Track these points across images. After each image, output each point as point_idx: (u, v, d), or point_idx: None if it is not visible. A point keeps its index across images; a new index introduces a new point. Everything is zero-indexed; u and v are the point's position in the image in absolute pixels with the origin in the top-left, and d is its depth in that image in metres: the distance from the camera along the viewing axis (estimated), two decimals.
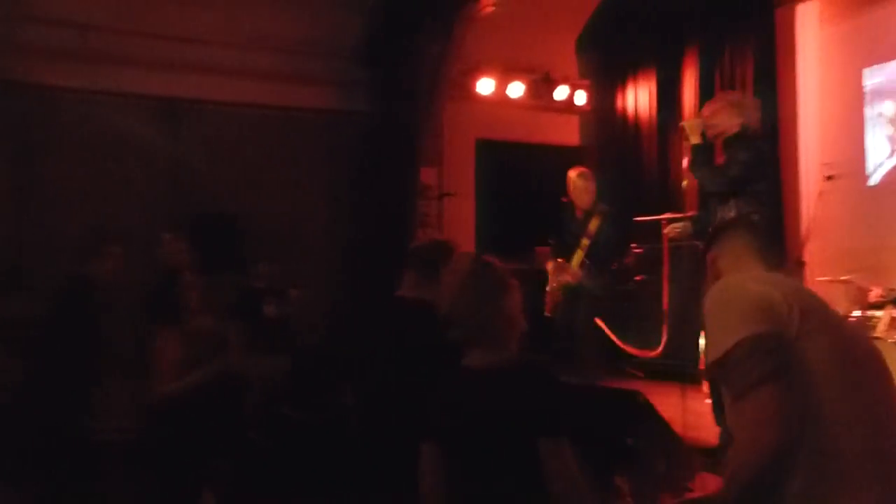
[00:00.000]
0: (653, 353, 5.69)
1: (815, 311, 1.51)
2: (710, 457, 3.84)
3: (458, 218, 7.52)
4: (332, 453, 3.29)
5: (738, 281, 1.62)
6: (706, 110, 4.11)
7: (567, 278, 5.17)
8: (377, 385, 2.45)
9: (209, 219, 6.01)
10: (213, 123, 6.60)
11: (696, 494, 3.29)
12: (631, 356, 5.94)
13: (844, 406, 1.43)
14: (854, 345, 1.56)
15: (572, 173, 5.38)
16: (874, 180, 6.03)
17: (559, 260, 5.28)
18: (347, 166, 7.00)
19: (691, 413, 4.38)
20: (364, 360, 2.47)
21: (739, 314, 1.48)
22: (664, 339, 5.83)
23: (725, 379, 1.48)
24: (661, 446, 3.30)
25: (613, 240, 5.30)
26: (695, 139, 4.02)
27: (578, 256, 5.18)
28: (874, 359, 1.59)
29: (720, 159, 4.18)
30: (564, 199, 5.41)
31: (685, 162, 4.25)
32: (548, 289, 5.33)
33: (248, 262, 5.83)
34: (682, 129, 4.19)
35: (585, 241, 5.13)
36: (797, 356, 1.43)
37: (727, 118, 3.83)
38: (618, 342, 5.76)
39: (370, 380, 2.49)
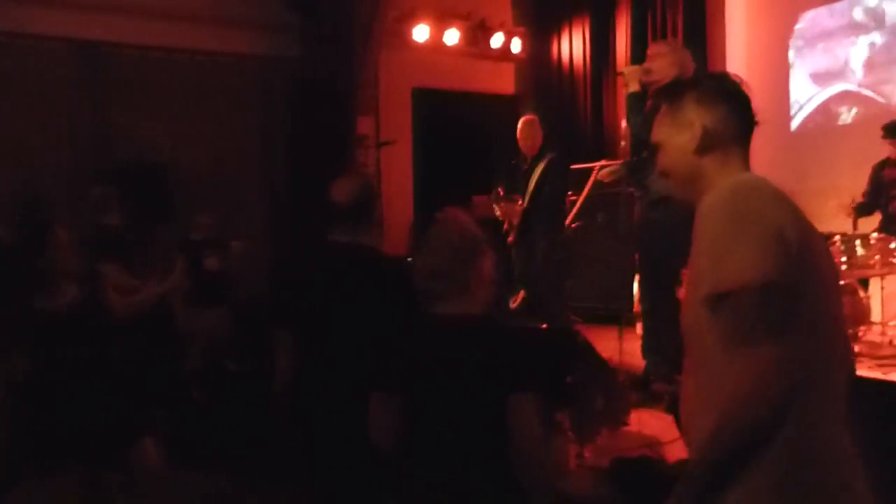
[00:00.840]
0: None
1: (810, 244, 1.39)
2: (640, 390, 4.06)
3: (395, 167, 7.50)
4: (270, 405, 3.31)
5: (753, 194, 1.40)
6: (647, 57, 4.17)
7: (514, 210, 5.28)
8: (322, 331, 2.40)
9: (138, 169, 5.83)
10: (137, 68, 6.36)
11: (632, 429, 3.47)
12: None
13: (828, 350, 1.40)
14: (832, 285, 1.50)
15: (520, 121, 5.47)
16: (794, 125, 6.29)
17: (506, 202, 5.38)
18: (280, 114, 6.88)
19: (626, 353, 4.59)
20: (307, 308, 2.42)
21: (755, 245, 1.32)
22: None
23: (727, 315, 1.35)
24: (599, 384, 3.44)
25: (559, 186, 5.41)
26: (633, 87, 4.09)
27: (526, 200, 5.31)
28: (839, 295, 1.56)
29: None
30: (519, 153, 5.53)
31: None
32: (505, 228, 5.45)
33: (184, 213, 5.72)
34: (622, 75, 4.26)
35: (531, 187, 5.23)
36: (800, 305, 1.35)
37: (665, 67, 3.90)
38: None
39: (314, 326, 2.43)
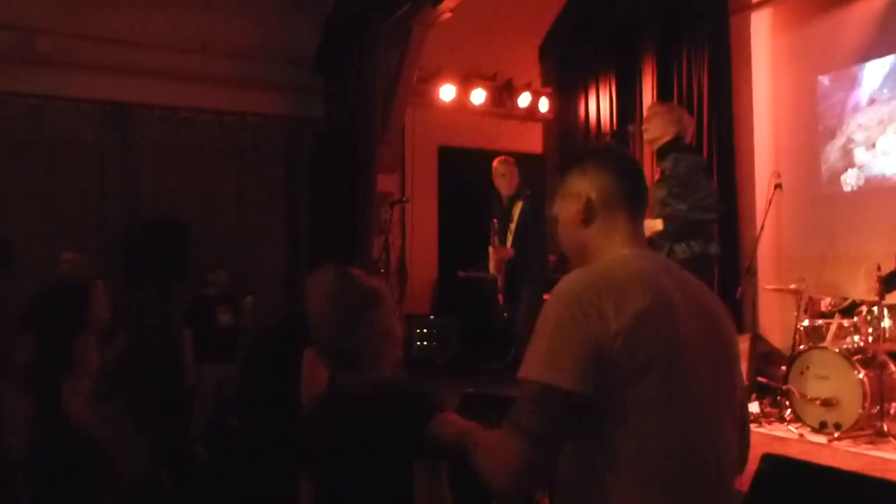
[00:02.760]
0: None
1: (650, 335, 1.30)
2: None
3: (420, 224, 7.51)
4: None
5: (585, 293, 1.34)
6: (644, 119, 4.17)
7: (504, 255, 5.26)
8: (259, 406, 2.29)
9: (160, 226, 5.95)
10: (164, 129, 6.54)
11: None
12: None
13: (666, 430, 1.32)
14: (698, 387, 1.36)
15: (495, 162, 5.55)
16: (828, 189, 6.10)
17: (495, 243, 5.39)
18: (301, 173, 6.98)
19: None
20: (262, 372, 2.36)
21: (556, 347, 1.30)
22: None
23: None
24: None
25: (537, 222, 5.40)
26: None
27: (508, 241, 5.31)
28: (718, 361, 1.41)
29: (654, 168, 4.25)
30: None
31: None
32: (491, 271, 5.43)
33: (201, 269, 5.78)
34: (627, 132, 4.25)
35: (512, 226, 5.23)
36: (603, 407, 1.30)
37: (661, 126, 3.86)
38: None
39: (253, 400, 2.33)
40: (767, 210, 5.06)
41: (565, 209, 1.52)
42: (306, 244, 6.85)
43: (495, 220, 5.48)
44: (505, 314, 5.40)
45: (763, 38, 6.52)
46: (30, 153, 6.07)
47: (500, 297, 5.46)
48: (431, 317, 7.27)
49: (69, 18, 6.03)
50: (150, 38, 6.26)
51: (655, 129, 3.89)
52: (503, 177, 5.39)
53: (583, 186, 1.50)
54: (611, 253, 1.45)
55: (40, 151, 6.11)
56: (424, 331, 7.02)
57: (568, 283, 1.37)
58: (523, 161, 8.24)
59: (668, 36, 6.94)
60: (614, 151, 1.59)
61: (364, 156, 6.58)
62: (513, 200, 5.32)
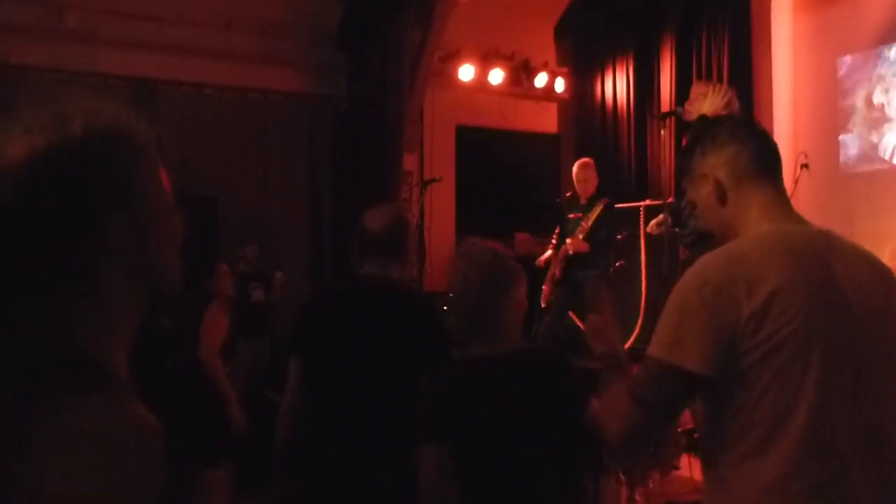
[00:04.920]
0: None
1: (784, 315, 1.30)
2: (691, 433, 3.95)
3: (439, 203, 7.55)
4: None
5: (704, 269, 1.38)
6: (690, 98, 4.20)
7: (580, 249, 5.33)
8: (339, 365, 2.31)
9: (188, 202, 5.96)
10: (188, 105, 6.53)
11: (683, 474, 3.39)
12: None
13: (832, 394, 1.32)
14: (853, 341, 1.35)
15: (575, 166, 5.64)
16: (848, 169, 6.20)
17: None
18: (326, 150, 6.99)
19: None
20: (323, 340, 2.34)
21: (681, 327, 1.33)
22: (637, 329, 5.99)
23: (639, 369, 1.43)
24: None
25: (612, 231, 5.54)
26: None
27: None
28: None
29: None
30: (568, 194, 5.64)
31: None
32: (546, 282, 5.54)
33: (228, 246, 5.81)
34: (670, 116, 4.29)
35: (586, 226, 5.30)
36: (732, 383, 1.32)
37: (709, 106, 3.90)
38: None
39: (330, 360, 2.35)
40: (794, 191, 5.14)
41: (697, 192, 1.51)
42: (330, 221, 6.89)
43: (558, 228, 5.63)
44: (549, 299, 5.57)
45: (784, 17, 6.57)
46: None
47: (548, 284, 5.59)
48: (450, 294, 7.34)
49: None
50: (176, 14, 6.23)
51: (699, 110, 3.94)
52: (583, 182, 5.49)
53: (707, 166, 1.48)
54: (751, 229, 1.44)
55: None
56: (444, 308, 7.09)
57: (700, 265, 1.38)
58: (539, 141, 8.35)
59: (688, 15, 6.98)
60: (729, 123, 1.55)
61: (389, 134, 6.61)
62: (593, 202, 5.43)
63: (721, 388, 1.33)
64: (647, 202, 6.49)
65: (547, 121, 8.41)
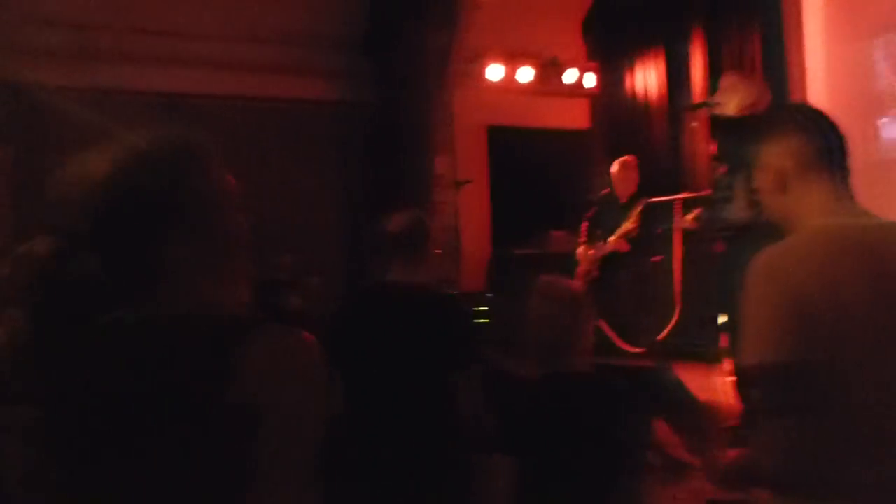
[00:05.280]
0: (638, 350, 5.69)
1: (841, 309, 1.31)
2: (732, 433, 3.90)
3: (472, 204, 7.57)
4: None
5: (764, 266, 1.39)
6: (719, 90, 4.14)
7: (621, 248, 5.30)
8: (370, 373, 2.35)
9: None
10: (219, 117, 6.63)
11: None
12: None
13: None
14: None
15: (614, 166, 5.60)
16: (885, 155, 6.05)
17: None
18: (356, 157, 7.05)
19: (715, 391, 4.43)
20: (354, 349, 2.39)
21: (773, 321, 1.34)
22: (671, 322, 5.92)
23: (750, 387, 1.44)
24: (691, 422, 3.34)
25: (651, 228, 5.51)
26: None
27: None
28: None
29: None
30: (605, 191, 5.62)
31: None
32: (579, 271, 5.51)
33: (262, 255, 5.88)
34: (700, 108, 4.24)
35: (627, 226, 5.28)
36: (825, 383, 1.33)
37: (739, 97, 3.84)
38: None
39: (361, 368, 2.39)
40: None
41: (761, 179, 1.53)
42: (363, 226, 6.93)
43: (586, 223, 5.60)
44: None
45: (816, 1, 6.44)
46: (84, 145, 6.19)
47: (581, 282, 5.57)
48: (487, 294, 7.35)
49: (125, 14, 6.13)
50: (204, 30, 6.35)
51: (729, 102, 3.88)
52: (624, 181, 5.47)
53: (772, 155, 1.51)
54: (810, 220, 1.44)
55: (94, 143, 6.23)
56: (481, 308, 7.10)
57: (762, 262, 1.41)
58: (571, 137, 8.31)
59: (718, 3, 6.89)
60: (798, 113, 1.57)
61: (419, 138, 6.64)
62: (633, 202, 5.42)
63: (806, 382, 1.34)
64: (683, 195, 6.41)
65: (578, 117, 8.37)
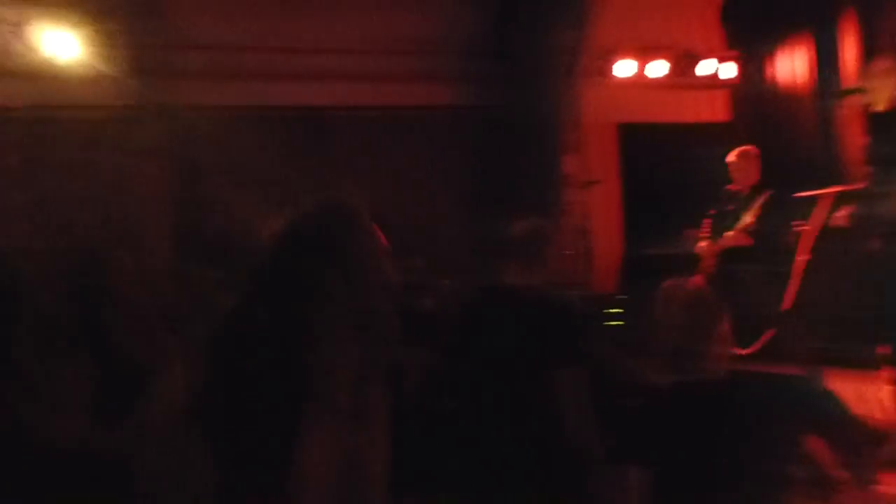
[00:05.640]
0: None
1: None
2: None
3: (603, 205, 7.42)
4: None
5: None
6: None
7: (742, 243, 5.07)
8: (496, 380, 2.40)
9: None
10: (355, 128, 6.90)
11: (885, 489, 3.09)
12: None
13: None
14: None
15: (732, 155, 5.33)
16: None
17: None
18: (486, 160, 7.10)
19: (870, 401, 4.10)
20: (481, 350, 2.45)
21: None
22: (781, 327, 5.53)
23: None
24: (841, 434, 3.11)
25: (778, 224, 5.17)
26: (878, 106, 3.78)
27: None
28: None
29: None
30: (729, 187, 5.37)
31: None
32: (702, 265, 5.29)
33: (399, 259, 6.03)
34: (853, 93, 3.95)
35: (747, 219, 5.01)
36: None
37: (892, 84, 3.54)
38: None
39: (488, 374, 2.44)
40: None
41: None
42: (493, 229, 6.97)
43: (709, 218, 5.37)
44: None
45: None
46: (240, 161, 6.61)
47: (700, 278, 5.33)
48: (620, 297, 7.17)
49: (267, 35, 6.50)
50: (339, 44, 6.65)
51: (883, 88, 3.59)
52: (742, 172, 5.23)
53: None
54: None
55: (249, 159, 6.62)
56: (613, 310, 6.94)
57: None
58: (707, 131, 7.94)
59: None
60: None
61: (548, 138, 6.61)
62: (754, 193, 5.17)
63: None
64: (833, 189, 5.98)
65: (716, 109, 8.01)
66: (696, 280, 2.12)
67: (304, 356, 1.19)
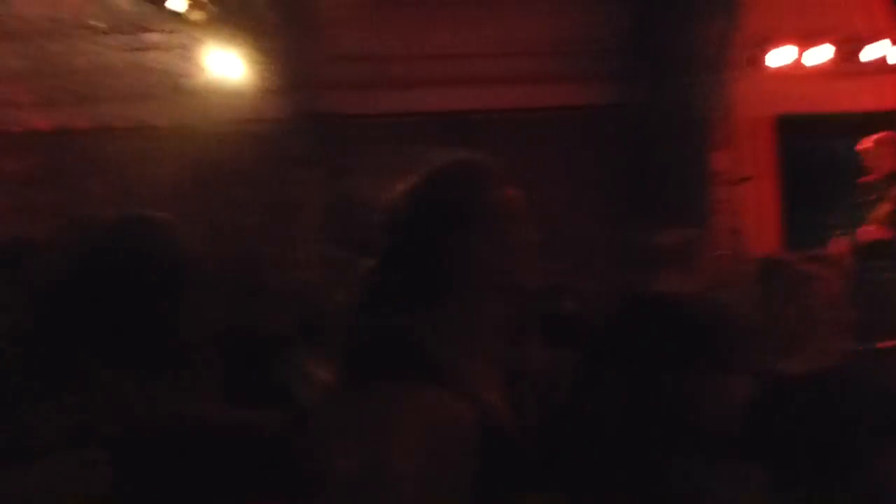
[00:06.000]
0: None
1: None
2: None
3: (757, 203, 7.05)
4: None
5: None
6: None
7: (883, 235, 4.71)
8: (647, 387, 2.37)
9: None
10: (498, 131, 6.97)
11: None
12: None
13: None
14: None
15: (868, 141, 4.99)
16: None
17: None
18: (629, 160, 6.95)
19: None
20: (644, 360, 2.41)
21: None
22: None
23: None
24: None
25: None
26: None
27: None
28: None
29: None
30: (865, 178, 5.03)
31: None
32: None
33: (541, 261, 6.03)
34: None
35: (884, 209, 4.65)
36: None
37: None
38: None
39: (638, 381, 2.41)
40: None
41: None
42: (639, 233, 6.82)
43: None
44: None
45: None
46: (387, 167, 6.87)
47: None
48: (756, 316, 6.80)
49: (413, 43, 6.72)
50: (482, 49, 6.76)
51: None
52: (879, 159, 4.90)
53: None
54: None
55: (394, 164, 6.88)
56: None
57: None
58: (875, 121, 7.34)
59: None
60: None
61: (696, 134, 6.37)
62: (890, 181, 4.81)
63: None
64: None
65: (882, 97, 7.39)
66: (826, 273, 1.97)
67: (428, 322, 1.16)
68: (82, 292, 1.54)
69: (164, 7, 5.85)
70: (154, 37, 6.20)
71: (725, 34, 6.47)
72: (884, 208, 4.73)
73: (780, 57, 7.00)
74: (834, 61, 7.05)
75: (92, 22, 6.05)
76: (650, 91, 6.89)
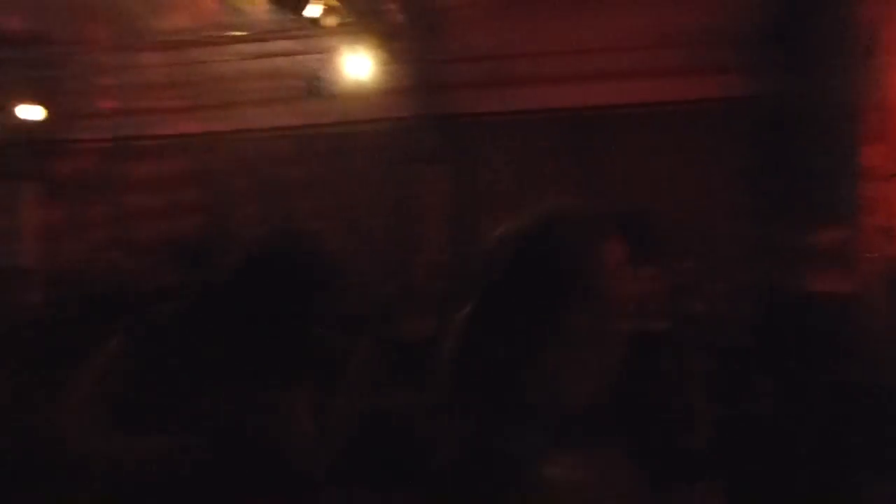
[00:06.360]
0: None
1: None
2: None
3: None
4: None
5: None
6: None
7: None
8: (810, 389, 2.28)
9: (636, 213, 6.18)
10: (622, 126, 6.80)
11: None
12: None
13: None
14: None
15: None
16: None
17: None
18: (767, 154, 6.60)
19: None
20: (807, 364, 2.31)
21: None
22: None
23: None
24: None
25: None
26: None
27: None
28: None
29: None
30: None
31: None
32: None
33: (667, 259, 5.84)
34: None
35: None
36: None
37: None
38: None
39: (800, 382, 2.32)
40: None
41: None
42: (770, 230, 6.47)
43: None
44: None
45: None
46: (510, 163, 6.88)
47: None
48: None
49: (536, 39, 6.68)
50: (608, 42, 6.61)
51: None
52: None
53: None
54: None
55: (518, 160, 6.87)
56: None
57: None
58: None
59: None
60: None
61: (842, 127, 5.95)
62: None
63: None
64: None
65: None
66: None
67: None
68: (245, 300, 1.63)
69: (301, 14, 6.12)
70: (289, 43, 6.52)
71: (878, 17, 6.01)
72: None
73: None
74: None
75: (233, 32, 6.45)
76: (794, 80, 6.49)
